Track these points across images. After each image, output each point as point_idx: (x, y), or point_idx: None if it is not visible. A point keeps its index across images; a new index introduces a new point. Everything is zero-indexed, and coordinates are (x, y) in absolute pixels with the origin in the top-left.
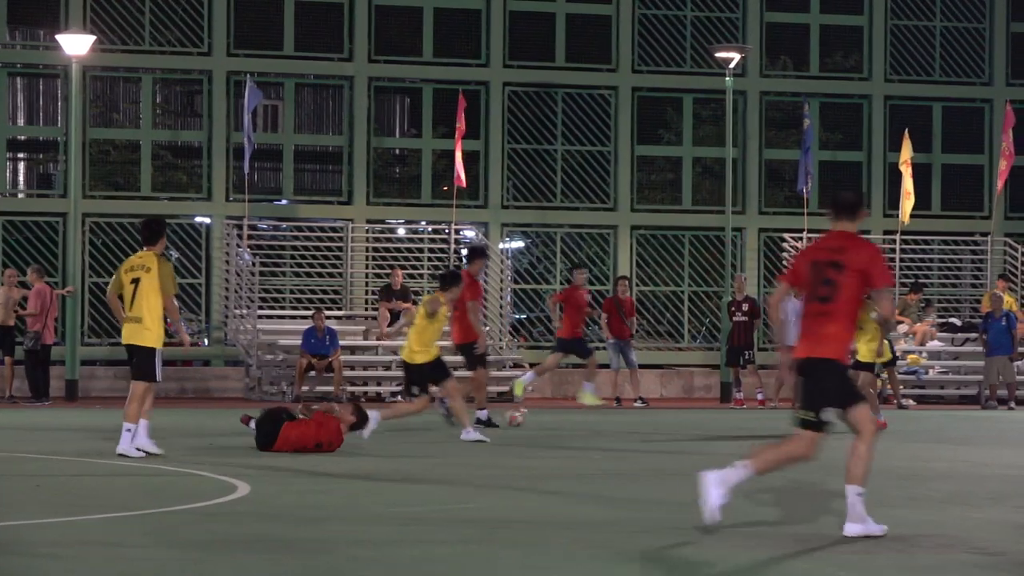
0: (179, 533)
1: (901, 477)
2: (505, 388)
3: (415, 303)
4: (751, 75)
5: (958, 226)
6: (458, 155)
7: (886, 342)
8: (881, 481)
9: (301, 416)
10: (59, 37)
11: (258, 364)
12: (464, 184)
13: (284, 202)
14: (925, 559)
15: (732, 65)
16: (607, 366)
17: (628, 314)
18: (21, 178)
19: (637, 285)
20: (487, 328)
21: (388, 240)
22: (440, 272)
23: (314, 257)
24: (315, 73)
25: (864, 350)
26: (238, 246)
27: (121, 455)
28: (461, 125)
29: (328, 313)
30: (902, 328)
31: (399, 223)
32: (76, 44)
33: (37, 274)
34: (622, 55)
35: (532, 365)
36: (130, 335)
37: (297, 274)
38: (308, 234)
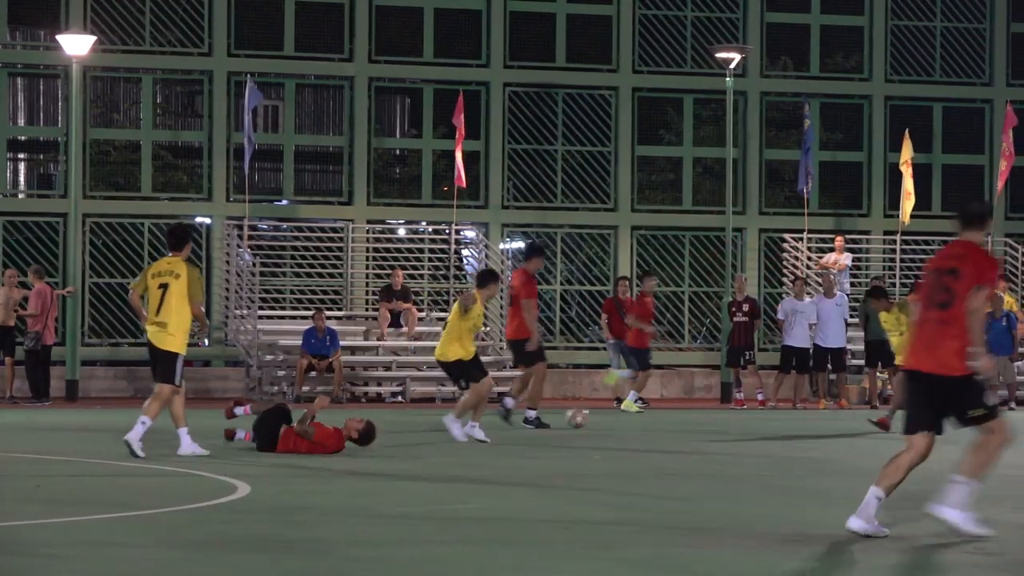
0: (179, 533)
1: None
2: (506, 388)
3: (416, 303)
4: (751, 75)
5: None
6: (458, 156)
7: None
8: None
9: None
10: (59, 37)
11: (258, 364)
12: (464, 184)
13: (284, 202)
14: (925, 559)
15: (732, 65)
16: (608, 366)
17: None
18: (21, 178)
19: (637, 286)
20: (487, 329)
21: (388, 240)
22: (479, 271)
23: (314, 257)
24: (315, 73)
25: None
26: (238, 246)
27: (127, 442)
28: (460, 128)
29: (328, 313)
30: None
31: (399, 223)
32: (76, 44)
33: (37, 274)
34: (622, 55)
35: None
36: (155, 338)
37: (297, 274)
38: (308, 234)
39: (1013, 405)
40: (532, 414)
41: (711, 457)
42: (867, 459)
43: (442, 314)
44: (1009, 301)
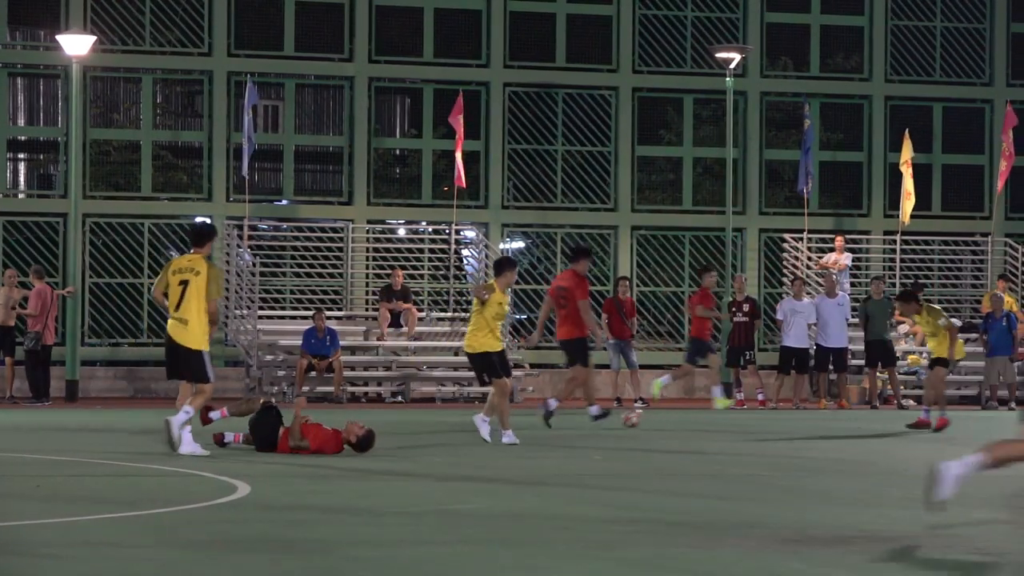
0: (179, 533)
1: (901, 477)
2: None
3: (416, 304)
4: (751, 75)
5: (958, 226)
6: (458, 157)
7: (960, 342)
8: (881, 481)
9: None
10: (59, 37)
11: (258, 364)
12: (464, 184)
13: (284, 202)
14: (925, 559)
15: (732, 65)
16: (608, 366)
17: (629, 315)
18: (21, 178)
19: (637, 285)
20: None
21: (388, 240)
22: (496, 259)
23: (314, 257)
24: (315, 73)
25: (940, 349)
26: (238, 246)
27: (167, 421)
28: (458, 129)
29: (328, 313)
30: (902, 328)
31: (399, 223)
32: (76, 44)
33: (37, 275)
34: (623, 55)
35: (533, 366)
36: (176, 333)
37: (297, 274)
38: (308, 234)
39: (1013, 405)
40: (595, 409)
41: (711, 457)
42: (867, 459)
43: (442, 314)
44: (1009, 301)
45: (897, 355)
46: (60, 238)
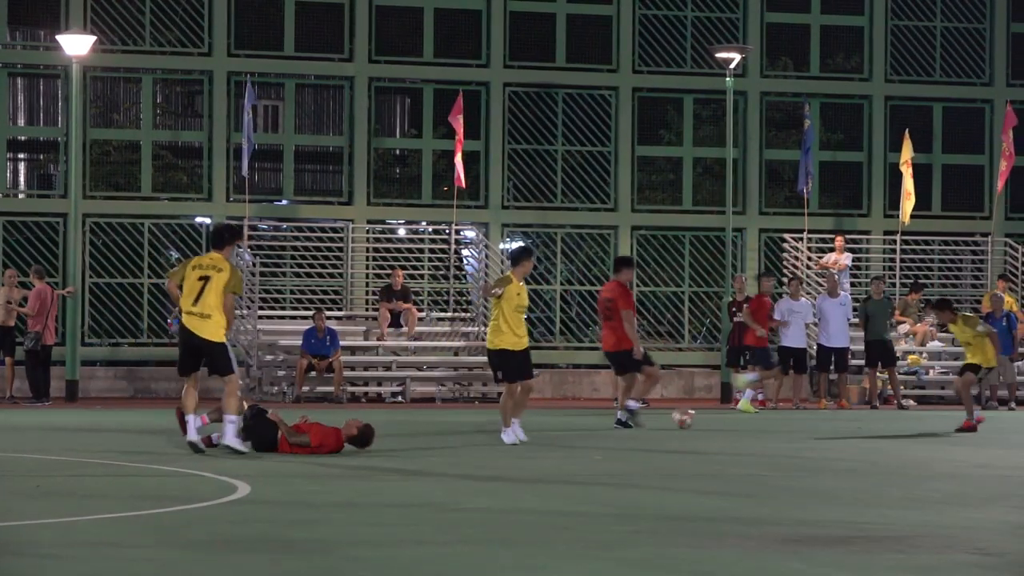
0: (179, 533)
1: (901, 477)
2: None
3: (416, 304)
4: (751, 75)
5: (958, 226)
6: (458, 158)
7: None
8: (881, 481)
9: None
10: (59, 37)
11: (258, 364)
12: (464, 185)
13: (284, 202)
14: (925, 559)
15: (732, 65)
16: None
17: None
18: (21, 178)
19: (637, 285)
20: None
21: (388, 240)
22: (512, 249)
23: (314, 258)
24: (315, 73)
25: (975, 356)
26: (238, 246)
27: (228, 447)
28: (458, 130)
29: (328, 313)
30: (903, 328)
31: (399, 223)
32: (76, 44)
33: (38, 275)
34: (622, 55)
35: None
36: (195, 325)
37: (297, 274)
38: (308, 234)
39: (1013, 405)
40: (634, 404)
41: (711, 457)
42: (867, 459)
43: (442, 314)
44: (1009, 301)
45: (897, 355)
46: (60, 238)
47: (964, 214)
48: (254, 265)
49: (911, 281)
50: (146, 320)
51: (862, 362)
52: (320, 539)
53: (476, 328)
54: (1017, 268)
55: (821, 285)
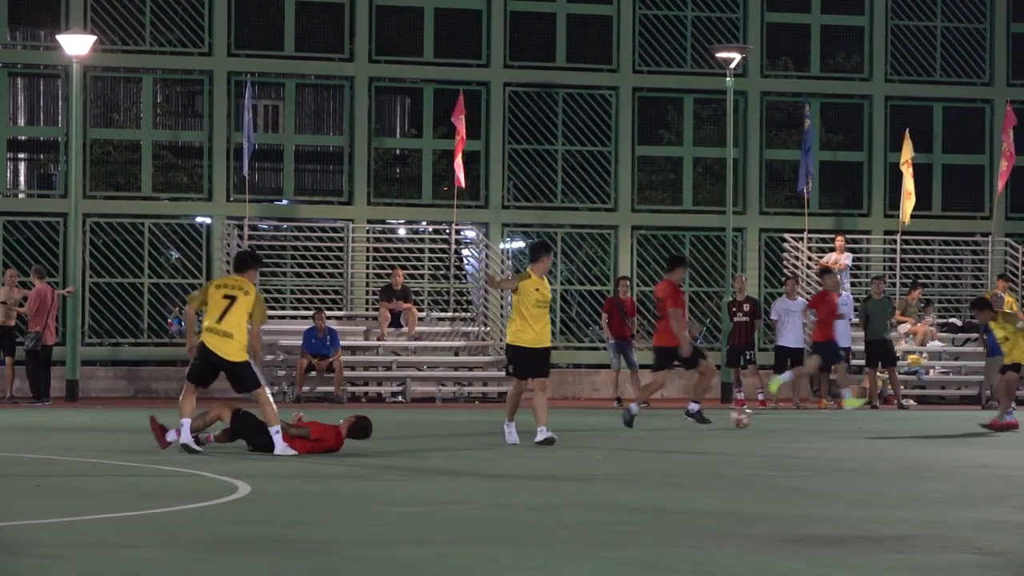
0: (179, 533)
1: (901, 477)
2: (506, 388)
3: (416, 303)
4: (752, 75)
5: (959, 226)
6: (458, 159)
7: None
8: (881, 481)
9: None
10: (60, 37)
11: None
12: (464, 185)
13: (285, 202)
14: (925, 559)
15: (733, 65)
16: (608, 366)
17: (629, 314)
18: (22, 178)
19: (638, 285)
20: (487, 329)
21: (389, 240)
22: (530, 244)
23: (315, 257)
24: (316, 73)
25: (1013, 354)
26: (239, 246)
27: (279, 455)
28: (461, 130)
29: (329, 313)
30: (903, 328)
31: (400, 223)
32: (77, 44)
33: (38, 274)
34: (623, 55)
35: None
36: (217, 346)
37: (298, 274)
38: (309, 234)
39: (1013, 405)
40: (694, 407)
41: (711, 457)
42: (867, 459)
43: (442, 314)
44: (1009, 301)
45: (897, 355)
46: (60, 238)
47: (964, 214)
48: None
49: (911, 281)
50: (146, 320)
51: (862, 362)
52: (320, 539)
53: (476, 328)
54: (1017, 268)
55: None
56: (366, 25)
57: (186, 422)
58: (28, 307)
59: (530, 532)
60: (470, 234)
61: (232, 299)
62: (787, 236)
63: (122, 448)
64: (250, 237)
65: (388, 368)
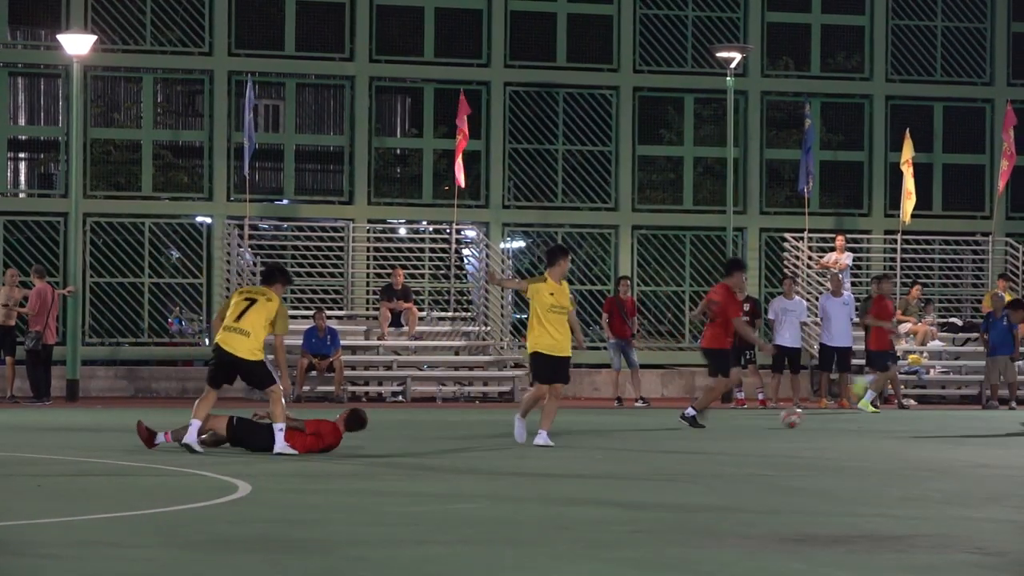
0: (179, 533)
1: (901, 477)
2: (506, 388)
3: (416, 303)
4: (752, 75)
5: (959, 226)
6: (458, 160)
7: None
8: (881, 481)
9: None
10: (60, 37)
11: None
12: (464, 185)
13: (285, 202)
14: (925, 559)
15: (733, 65)
16: (608, 366)
17: (629, 314)
18: (22, 178)
19: (638, 285)
20: (488, 328)
21: (389, 240)
22: (548, 248)
23: (315, 257)
24: (316, 73)
25: None
26: (239, 246)
27: (279, 453)
28: (464, 130)
29: (329, 313)
30: (903, 328)
31: (400, 223)
32: (77, 44)
33: (38, 274)
34: (623, 55)
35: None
36: (233, 345)
37: (298, 274)
38: (309, 234)
39: (1014, 405)
40: (690, 412)
41: (711, 457)
42: (867, 459)
43: (442, 314)
44: (1009, 300)
45: (898, 355)
46: (61, 238)
47: (965, 214)
48: (255, 265)
49: (911, 280)
50: (147, 320)
51: (863, 362)
52: (320, 539)
53: (477, 328)
54: (1018, 268)
55: (822, 285)
56: (367, 25)
57: (196, 423)
58: (29, 307)
59: (530, 532)
60: (470, 234)
61: (253, 301)
62: (787, 236)
63: (122, 448)
64: (250, 237)
65: (388, 368)
